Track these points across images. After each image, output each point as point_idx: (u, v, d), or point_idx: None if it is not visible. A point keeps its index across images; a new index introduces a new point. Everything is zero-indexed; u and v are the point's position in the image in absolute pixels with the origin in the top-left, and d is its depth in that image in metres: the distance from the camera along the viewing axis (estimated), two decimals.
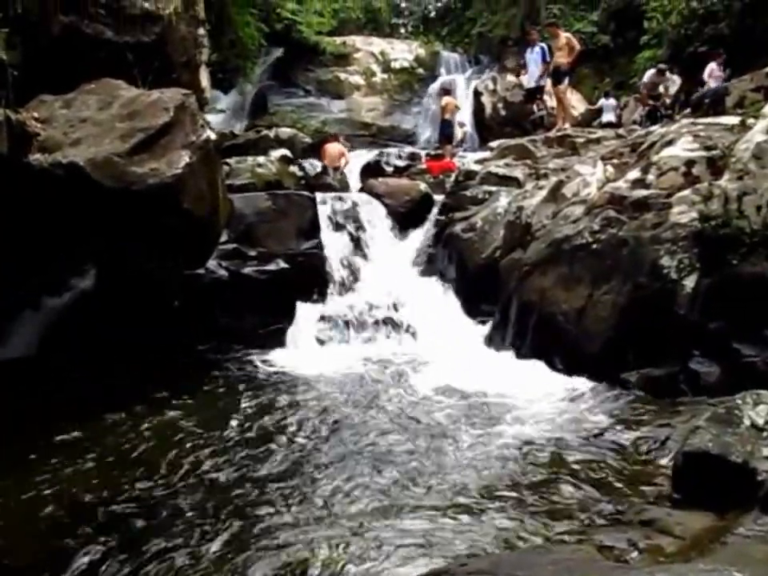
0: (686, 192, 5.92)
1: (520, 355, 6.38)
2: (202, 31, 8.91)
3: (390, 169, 12.82)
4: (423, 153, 14.47)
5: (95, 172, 5.46)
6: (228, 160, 9.07)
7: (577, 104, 16.86)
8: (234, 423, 4.99)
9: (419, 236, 9.71)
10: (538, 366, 6.06)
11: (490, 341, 7.03)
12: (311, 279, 7.97)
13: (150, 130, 5.88)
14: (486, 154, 11.67)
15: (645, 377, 5.39)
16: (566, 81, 12.40)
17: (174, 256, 6.16)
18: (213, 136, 6.59)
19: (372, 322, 7.61)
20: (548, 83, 12.86)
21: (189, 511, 3.75)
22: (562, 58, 11.94)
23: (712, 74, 12.21)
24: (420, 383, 5.90)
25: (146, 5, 7.49)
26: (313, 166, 11.61)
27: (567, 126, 11.88)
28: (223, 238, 7.11)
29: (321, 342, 7.40)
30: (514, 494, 3.76)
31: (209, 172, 6.36)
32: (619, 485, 3.80)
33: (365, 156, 14.42)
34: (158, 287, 6.26)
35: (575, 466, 4.10)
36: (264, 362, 6.68)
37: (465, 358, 6.57)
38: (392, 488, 3.94)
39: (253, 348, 6.95)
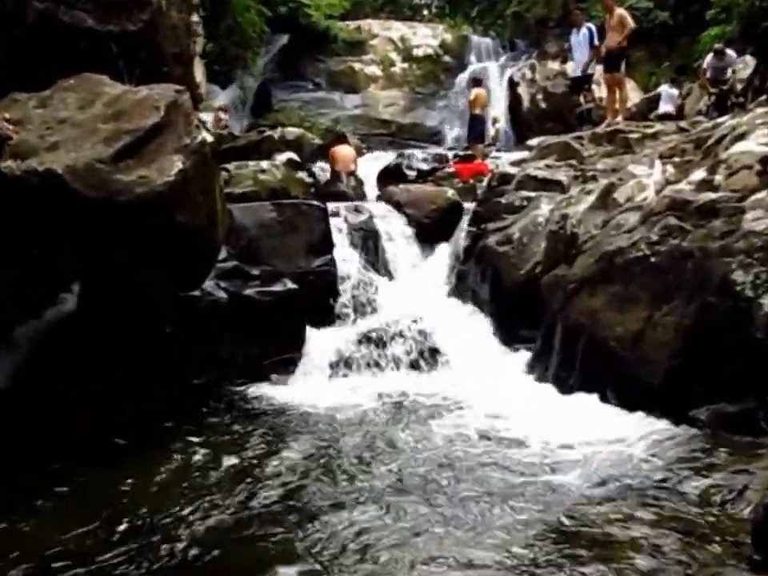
0: (762, 194, 5.88)
1: (566, 388, 6.36)
2: (195, 18, 8.98)
3: (412, 173, 12.88)
4: (451, 154, 14.54)
5: (75, 180, 5.47)
6: (227, 165, 9.20)
7: (630, 93, 16.83)
8: (231, 470, 4.99)
9: (447, 251, 9.76)
10: (587, 401, 6.02)
11: (530, 372, 7.05)
12: (323, 302, 8.12)
13: (138, 132, 5.80)
14: (524, 154, 11.73)
15: (716, 413, 5.26)
16: (623, 65, 12.30)
17: (166, 276, 6.13)
18: (209, 138, 6.67)
19: (394, 351, 7.64)
20: (596, 70, 12.89)
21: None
22: (614, 40, 11.85)
23: None
24: (450, 424, 5.87)
25: None
26: (324, 171, 11.80)
27: (620, 119, 11.82)
28: (222, 254, 7.14)
29: (335, 374, 7.45)
30: (567, 553, 3.68)
31: (205, 179, 6.33)
32: (688, 543, 3.69)
33: (383, 158, 14.51)
34: (148, 312, 6.31)
35: (635, 521, 3.99)
36: (269, 397, 6.73)
37: (502, 392, 6.54)
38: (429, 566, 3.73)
39: (256, 381, 7.03)
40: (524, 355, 7.37)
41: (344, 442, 5.54)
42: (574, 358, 6.39)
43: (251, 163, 9.72)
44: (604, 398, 5.94)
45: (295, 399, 6.66)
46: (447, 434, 5.64)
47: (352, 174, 12.05)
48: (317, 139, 14.94)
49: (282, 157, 10.66)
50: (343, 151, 12.41)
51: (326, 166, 12.12)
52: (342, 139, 13.35)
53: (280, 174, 9.73)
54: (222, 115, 19.04)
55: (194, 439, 5.62)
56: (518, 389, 6.68)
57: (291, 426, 5.96)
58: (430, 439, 5.54)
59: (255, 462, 5.16)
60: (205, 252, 6.60)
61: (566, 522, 4.06)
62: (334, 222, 8.94)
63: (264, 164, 9.75)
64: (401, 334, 7.79)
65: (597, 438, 5.34)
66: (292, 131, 14.59)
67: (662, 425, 5.38)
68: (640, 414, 5.58)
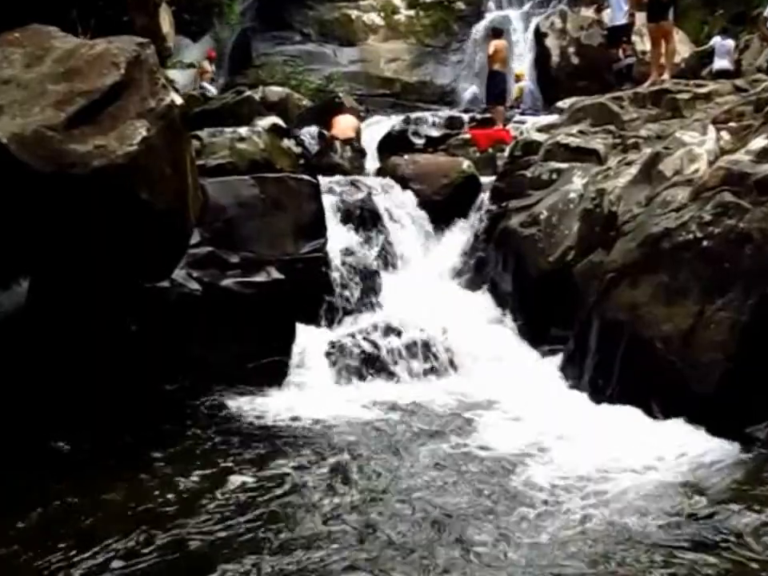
0: None
1: (604, 397, 6.44)
2: None
3: (419, 141, 12.95)
4: (466, 118, 14.49)
5: (22, 151, 5.43)
6: (199, 132, 9.14)
7: (678, 46, 16.79)
8: (199, 496, 4.93)
9: (462, 234, 9.81)
10: (627, 413, 6.08)
11: (562, 377, 7.17)
12: (315, 294, 8.16)
13: (94, 94, 5.79)
14: (553, 118, 11.75)
15: None
16: (671, 13, 12.32)
17: (128, 264, 6.12)
18: (178, 100, 6.66)
19: (400, 353, 7.68)
20: (639, 19, 12.89)
21: None
22: None
23: None
24: (470, 442, 5.84)
25: None
26: (314, 138, 11.73)
27: (666, 76, 11.79)
28: (194, 238, 7.16)
29: (330, 380, 7.50)
30: None
31: (174, 150, 6.29)
32: None
33: (385, 124, 14.49)
34: (109, 307, 6.29)
35: (676, 567, 3.96)
36: (252, 407, 6.74)
37: (529, 403, 6.61)
38: None
39: (237, 388, 7.07)
40: (555, 358, 7.47)
41: (343, 466, 5.44)
42: (612, 362, 6.47)
43: (228, 130, 9.60)
44: (646, 409, 6.02)
45: (282, 411, 6.66)
46: (465, 453, 5.63)
47: (349, 142, 12.10)
48: (305, 101, 14.92)
49: (265, 122, 10.54)
50: (344, 118, 12.60)
51: (316, 133, 12.02)
52: (346, 110, 13.43)
53: (262, 142, 9.65)
54: (208, 66, 18.96)
55: (159, 457, 5.59)
56: (548, 398, 6.72)
57: (277, 444, 5.92)
58: (444, 461, 5.48)
59: (230, 487, 5.08)
60: (174, 236, 6.60)
61: (599, 566, 4.02)
62: (328, 200, 8.94)
63: (243, 131, 9.65)
64: (409, 334, 7.81)
65: (637, 459, 5.33)
66: (276, 91, 14.51)
67: (714, 443, 5.41)
68: (687, 429, 5.65)
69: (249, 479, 5.23)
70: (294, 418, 6.49)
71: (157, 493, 5.02)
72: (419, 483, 5.11)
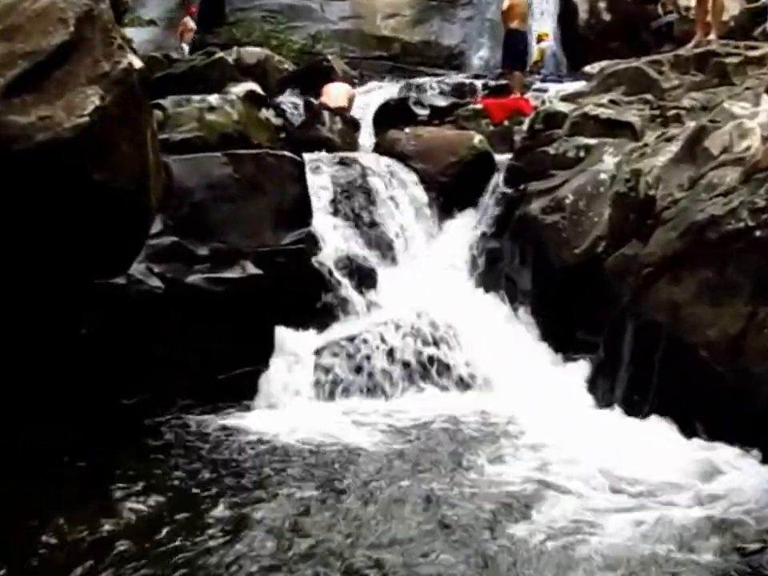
0: None
1: (639, 413, 6.38)
2: None
3: (423, 112, 12.84)
4: (478, 84, 14.55)
5: None
6: (162, 101, 9.19)
7: (727, 2, 16.65)
8: (163, 536, 4.80)
9: (472, 222, 9.84)
10: (666, 433, 6.03)
11: (591, 390, 7.19)
12: (299, 293, 8.10)
13: (39, 56, 5.69)
14: (580, 86, 11.78)
15: None
16: None
17: (78, 257, 6.04)
18: (137, 63, 6.57)
19: (400, 363, 7.70)
20: None
21: None
22: None
23: None
24: (475, 477, 5.69)
25: None
26: (298, 108, 11.79)
27: (713, 37, 11.70)
28: (156, 226, 7.17)
29: (318, 394, 7.52)
30: None
31: (132, 121, 6.23)
32: None
33: (382, 92, 14.59)
34: (55, 307, 6.23)
35: None
36: (222, 427, 6.71)
37: (552, 421, 6.60)
38: None
39: (205, 404, 7.11)
40: (582, 367, 7.47)
41: (331, 500, 5.31)
42: (649, 372, 6.42)
43: (196, 98, 9.68)
44: (689, 429, 5.95)
45: (257, 431, 6.62)
46: (473, 492, 5.44)
47: (340, 112, 12.12)
48: (287, 64, 14.88)
49: (239, 89, 10.60)
50: (334, 85, 12.71)
51: (300, 102, 12.14)
52: (332, 75, 13.58)
53: (236, 112, 9.73)
54: (191, 23, 18.95)
55: (111, 488, 5.47)
56: (573, 417, 6.72)
57: (247, 473, 5.82)
58: (445, 502, 5.29)
59: (190, 524, 4.98)
60: (132, 223, 6.49)
61: None
62: (314, 181, 8.95)
63: (214, 99, 9.71)
64: (410, 340, 7.80)
65: (678, 487, 5.29)
66: (253, 53, 14.52)
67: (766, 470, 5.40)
68: (736, 453, 5.55)
69: (212, 517, 5.05)
70: (269, 441, 6.44)
71: (106, 528, 4.89)
72: (408, 532, 4.81)
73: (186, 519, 5.05)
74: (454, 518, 5.03)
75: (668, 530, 4.75)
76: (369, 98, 14.19)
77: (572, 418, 6.70)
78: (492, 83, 14.55)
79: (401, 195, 9.86)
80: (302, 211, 8.41)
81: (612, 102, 9.61)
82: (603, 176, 8.23)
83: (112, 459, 5.98)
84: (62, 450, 5.90)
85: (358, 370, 7.65)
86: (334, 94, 12.56)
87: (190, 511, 5.18)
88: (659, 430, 6.09)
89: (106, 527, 4.92)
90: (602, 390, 7.04)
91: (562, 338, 7.95)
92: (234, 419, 6.92)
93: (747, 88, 8.55)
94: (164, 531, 4.87)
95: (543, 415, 6.78)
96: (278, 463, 6.03)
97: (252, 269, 7.68)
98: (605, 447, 5.96)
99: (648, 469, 5.55)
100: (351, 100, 12.91)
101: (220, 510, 5.17)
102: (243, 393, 7.34)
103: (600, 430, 6.35)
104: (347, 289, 8.53)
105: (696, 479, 5.38)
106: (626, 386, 6.71)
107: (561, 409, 6.91)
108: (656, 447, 5.84)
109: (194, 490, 5.52)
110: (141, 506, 5.25)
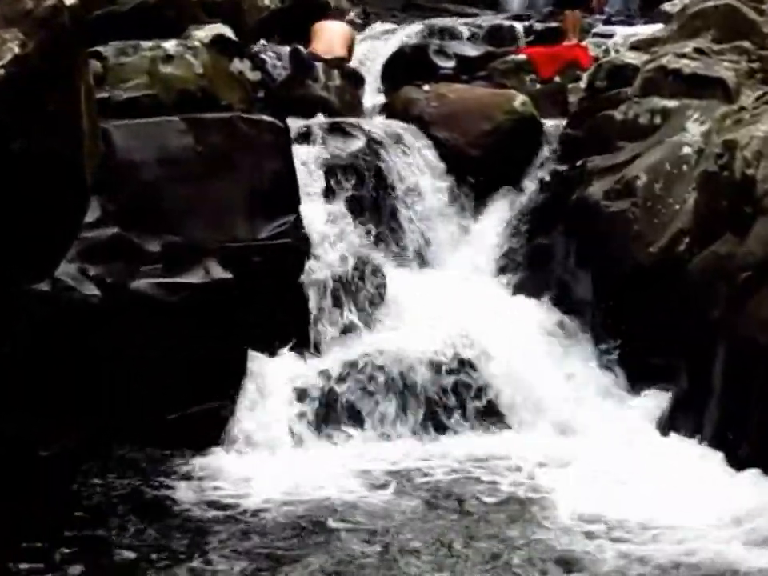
0: None
1: (734, 459, 6.32)
2: None
3: (447, 64, 12.55)
4: (520, 28, 14.51)
5: None
6: (101, 49, 9.00)
7: None
8: None
9: (511, 209, 9.61)
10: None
11: (669, 428, 7.03)
12: (280, 304, 7.79)
13: None
14: (654, 30, 11.32)
15: None
16: None
17: None
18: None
19: (413, 396, 7.51)
20: None
21: None
22: None
23: None
24: (528, 543, 5.59)
25: None
26: (282, 59, 11.51)
27: None
28: (91, 214, 6.83)
29: (299, 435, 7.29)
30: None
31: (61, 75, 6.12)
32: None
33: (394, 37, 14.46)
34: None
35: None
36: (175, 483, 6.49)
37: (618, 471, 6.43)
38: None
39: (152, 452, 6.88)
40: (658, 398, 7.41)
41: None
42: (745, 407, 6.40)
43: (146, 44, 9.41)
44: None
45: (220, 487, 6.45)
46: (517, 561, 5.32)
47: (338, 64, 11.84)
48: (269, 0, 14.65)
49: (204, 33, 10.42)
50: (329, 26, 12.42)
51: (285, 50, 11.80)
52: (327, 13, 13.37)
53: (199, 64, 9.35)
54: None
55: (22, 569, 5.20)
56: (647, 462, 6.54)
57: (214, 540, 5.67)
58: None
59: None
60: (59, 208, 6.33)
61: None
62: (302, 155, 8.67)
63: (170, 46, 9.43)
64: (426, 366, 7.61)
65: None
66: None
67: None
68: None
69: None
70: (235, 502, 6.23)
71: None
72: None
73: None
74: None
75: None
76: (376, 45, 13.68)
77: (642, 465, 6.52)
78: (539, 26, 14.32)
79: (417, 174, 9.48)
80: (286, 195, 8.07)
81: (698, 51, 9.14)
82: (686, 150, 8.12)
83: (18, 537, 5.60)
84: None
85: (357, 405, 7.46)
86: (327, 38, 12.15)
87: None
88: (760, 483, 6.02)
89: None
90: (685, 429, 6.90)
91: (632, 360, 7.80)
92: (189, 469, 6.71)
93: None
94: None
95: (608, 463, 6.62)
96: (237, 524, 5.96)
97: (218, 271, 7.37)
98: (686, 510, 5.88)
99: (749, 536, 5.51)
100: (351, 46, 12.58)
101: None
102: (203, 437, 7.07)
103: (680, 482, 6.21)
104: (346, 297, 8.22)
105: None
106: (717, 424, 6.66)
107: (629, 453, 6.77)
108: (755, 508, 5.77)
109: (126, 559, 5.42)
110: None
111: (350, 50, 12.37)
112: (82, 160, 6.49)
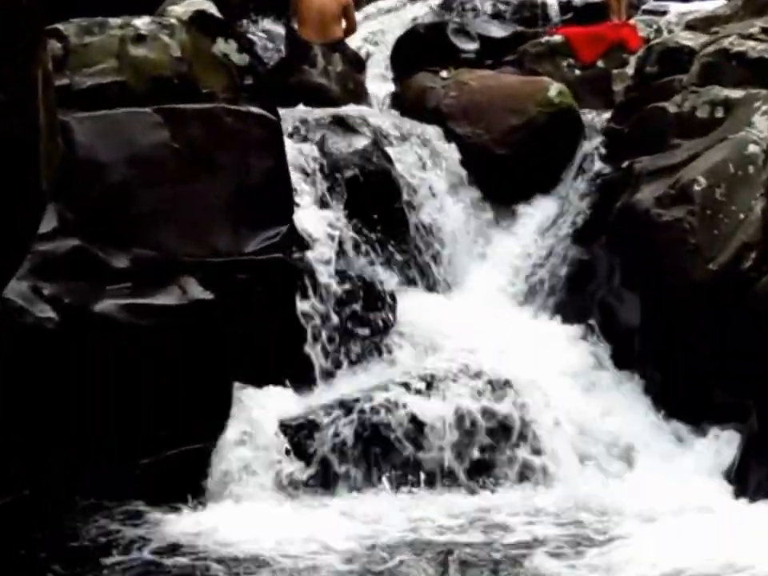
0: None
1: None
2: None
3: (470, 46, 12.85)
4: (554, 2, 15.21)
5: None
6: (61, 26, 9.18)
7: None
8: None
9: (545, 219, 9.88)
10: None
11: (737, 481, 7.19)
12: (270, 330, 7.96)
13: None
14: (715, 5, 11.60)
15: None
16: None
17: None
18: None
19: (427, 441, 7.62)
20: None
21: None
22: None
23: None
24: None
25: None
26: (274, 40, 11.55)
27: None
28: (48, 223, 6.93)
29: (293, 490, 7.49)
30: None
31: (14, 56, 5.92)
32: None
33: (404, 12, 15.04)
34: None
35: None
36: (144, 541, 6.60)
37: (676, 535, 6.34)
38: None
39: (120, 504, 7.03)
40: (723, 441, 7.52)
41: None
42: None
43: (114, 22, 9.59)
44: None
45: (208, 545, 6.48)
46: None
47: (336, 45, 12.21)
48: None
49: (183, 8, 10.50)
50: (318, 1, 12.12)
51: (277, 30, 11.95)
52: None
53: (177, 45, 9.53)
54: None
55: None
56: (714, 522, 6.54)
57: None
58: None
59: None
60: (9, 216, 6.16)
61: None
62: (297, 153, 8.79)
63: (142, 24, 9.55)
64: (441, 406, 7.80)
65: None
66: None
67: None
68: None
69: None
70: (221, 559, 6.34)
71: None
72: None
73: None
74: None
75: None
76: (384, 23, 14.06)
77: (708, 527, 6.50)
78: (578, 0, 14.85)
79: (435, 177, 9.58)
80: (278, 201, 8.17)
81: (766, 32, 9.37)
82: (753, 148, 8.19)
83: None
84: None
85: (362, 451, 7.64)
86: (319, 19, 12.43)
87: None
88: None
89: None
90: (757, 479, 7.04)
91: (690, 397, 7.89)
92: (161, 527, 6.81)
93: None
94: None
95: (665, 529, 6.51)
96: None
97: (197, 291, 7.53)
98: None
99: None
100: (350, 24, 13.01)
101: None
102: (180, 486, 7.16)
103: (754, 551, 5.92)
104: (348, 324, 8.44)
105: None
106: None
107: (688, 513, 6.76)
108: None
109: None
110: None
111: (351, 26, 12.69)
112: (37, 160, 6.44)
